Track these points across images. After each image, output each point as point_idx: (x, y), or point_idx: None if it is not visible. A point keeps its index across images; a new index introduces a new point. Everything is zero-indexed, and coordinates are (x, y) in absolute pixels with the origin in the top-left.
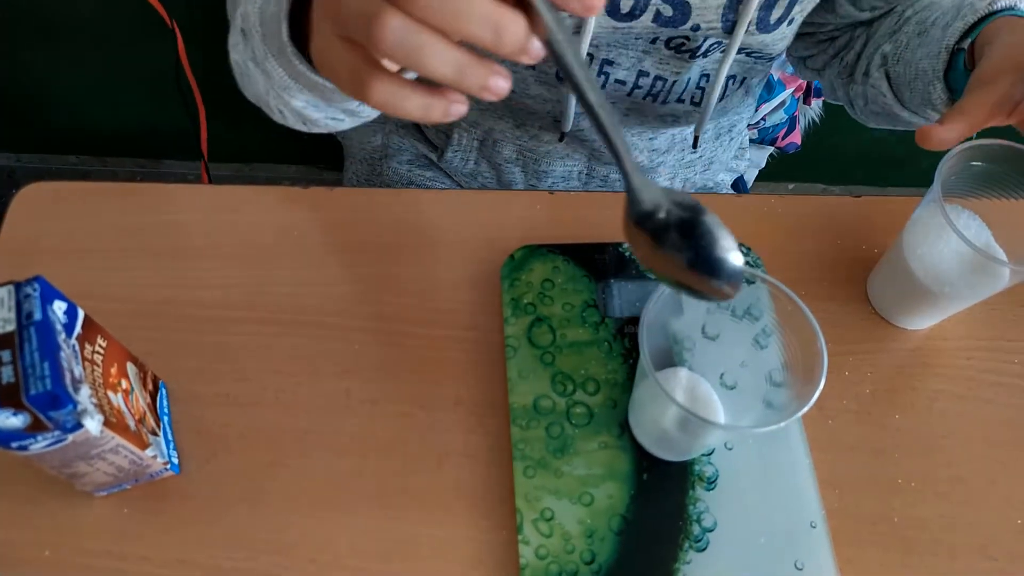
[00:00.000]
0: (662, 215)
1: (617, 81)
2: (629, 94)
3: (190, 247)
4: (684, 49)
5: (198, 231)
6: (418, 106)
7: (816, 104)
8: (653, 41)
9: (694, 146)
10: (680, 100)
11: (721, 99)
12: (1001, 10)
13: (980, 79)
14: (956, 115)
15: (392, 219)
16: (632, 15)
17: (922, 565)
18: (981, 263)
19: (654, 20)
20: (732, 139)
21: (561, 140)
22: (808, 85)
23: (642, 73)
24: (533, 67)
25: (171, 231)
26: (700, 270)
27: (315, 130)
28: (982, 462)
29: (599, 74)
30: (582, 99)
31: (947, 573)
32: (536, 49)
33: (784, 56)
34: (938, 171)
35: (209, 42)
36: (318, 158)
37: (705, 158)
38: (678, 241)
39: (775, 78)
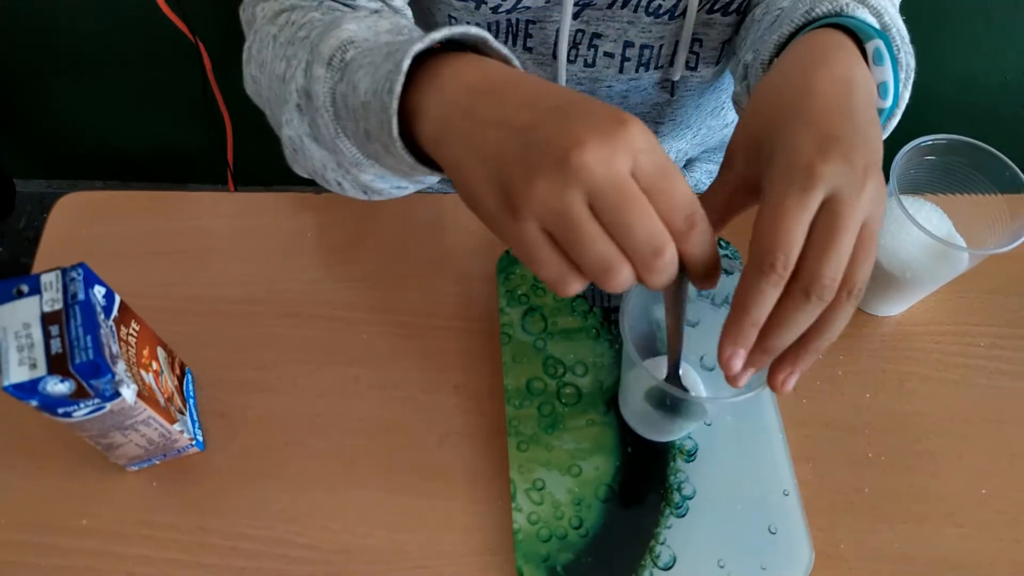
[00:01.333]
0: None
1: (606, 54)
2: (621, 70)
3: (213, 248)
4: (662, 12)
5: (220, 234)
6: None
7: None
8: (635, 9)
9: (671, 93)
10: (672, 64)
11: (716, 62)
12: (817, 20)
13: (725, 157)
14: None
15: (397, 222)
16: None
17: (891, 532)
18: (940, 250)
19: None
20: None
21: None
22: None
23: (628, 44)
24: (530, 50)
25: (195, 235)
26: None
27: (375, 198)
28: (949, 437)
29: (589, 47)
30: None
31: (915, 539)
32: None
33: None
34: (893, 166)
35: (234, 64)
36: None
37: (692, 129)
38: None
39: None
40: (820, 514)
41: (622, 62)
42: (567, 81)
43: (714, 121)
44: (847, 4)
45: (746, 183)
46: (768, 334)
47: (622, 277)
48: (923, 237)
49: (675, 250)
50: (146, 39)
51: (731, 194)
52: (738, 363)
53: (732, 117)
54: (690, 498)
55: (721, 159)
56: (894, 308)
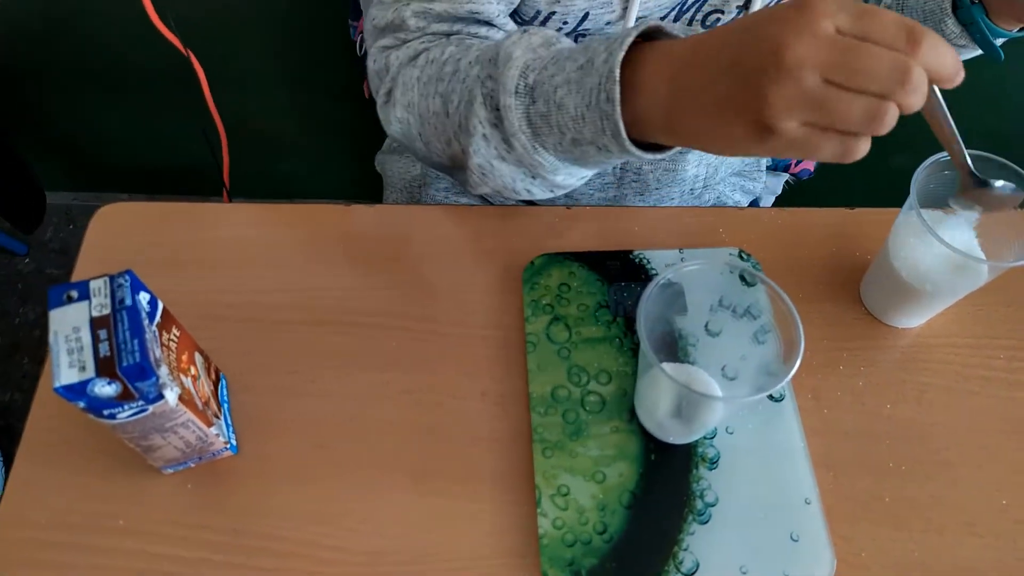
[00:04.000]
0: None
1: None
2: None
3: (248, 258)
4: (720, 25)
5: (253, 244)
6: (865, 147)
7: None
8: (690, 22)
9: None
10: None
11: None
12: None
13: None
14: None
15: (425, 233)
16: None
17: (911, 540)
18: (960, 262)
19: None
20: None
21: None
22: None
23: None
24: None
25: (229, 245)
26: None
27: (559, 192)
28: (968, 448)
29: None
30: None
31: (935, 548)
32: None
33: None
34: (914, 180)
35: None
36: (356, 195)
37: None
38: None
39: None
40: (841, 522)
41: None
42: None
43: None
44: None
45: None
46: None
47: (890, 115)
48: (944, 250)
49: (918, 67)
50: (157, 58)
51: None
52: None
53: None
54: (713, 505)
55: (739, 181)
56: (914, 320)
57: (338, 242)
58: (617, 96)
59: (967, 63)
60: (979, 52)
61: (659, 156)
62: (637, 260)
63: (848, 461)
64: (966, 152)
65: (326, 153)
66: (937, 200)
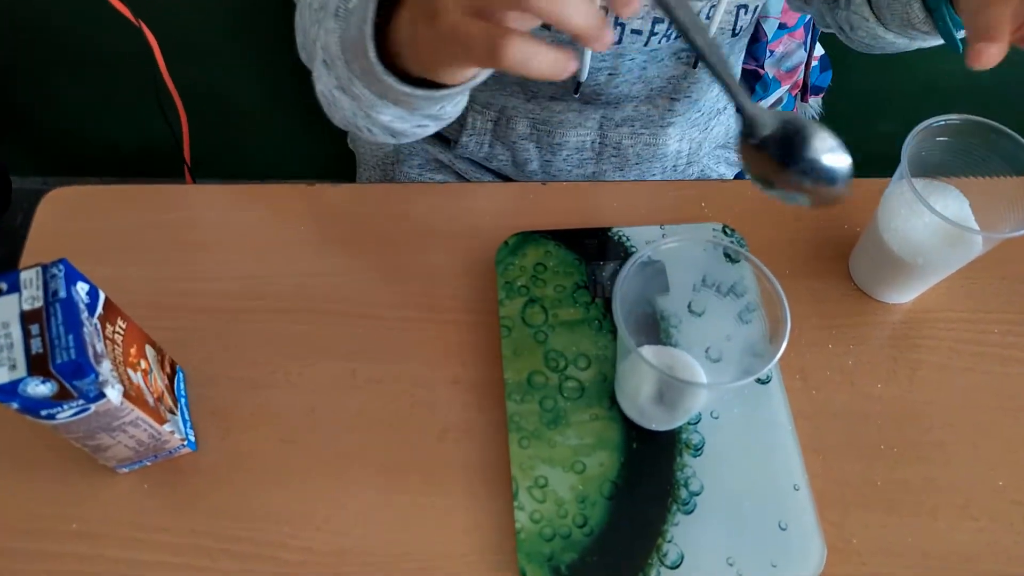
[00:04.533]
0: (777, 135)
1: (633, 31)
2: (646, 44)
3: (204, 243)
4: None
5: (212, 228)
6: (550, 61)
7: (814, 102)
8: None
9: (694, 65)
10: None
11: (734, 33)
12: None
13: None
14: (988, 35)
15: (392, 212)
16: None
17: (904, 525)
18: (953, 233)
19: None
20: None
21: (576, 92)
22: (804, 82)
23: (657, 20)
24: (548, 28)
25: (186, 228)
26: (815, 176)
27: (403, 140)
28: (962, 427)
29: (616, 24)
30: (693, 44)
31: (929, 532)
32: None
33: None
34: (904, 148)
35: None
36: (328, 173)
37: (706, 115)
38: (792, 154)
39: (770, 76)
40: (831, 508)
41: (649, 37)
42: (591, 57)
43: (720, 102)
44: None
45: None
46: None
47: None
48: (936, 221)
49: None
50: (117, 38)
51: (1012, 19)
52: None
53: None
54: (697, 494)
55: (723, 154)
56: (905, 295)
57: (301, 224)
58: (370, 15)
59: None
60: (941, 42)
61: (428, 92)
62: (616, 238)
63: (838, 444)
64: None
65: (297, 130)
66: (929, 169)
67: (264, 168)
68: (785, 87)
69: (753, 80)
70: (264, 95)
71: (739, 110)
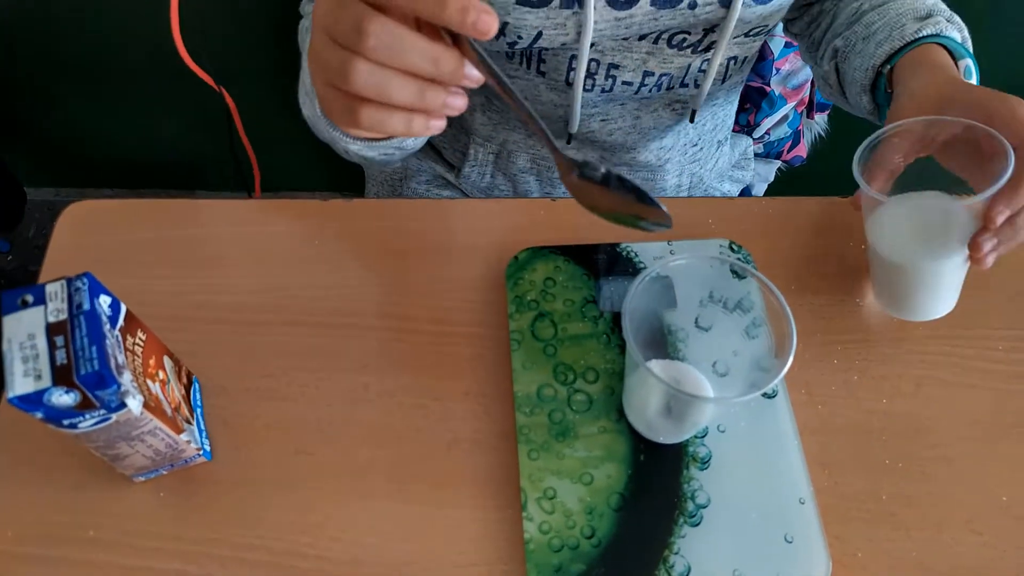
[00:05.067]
0: (601, 167)
1: (624, 83)
2: (636, 92)
3: (221, 256)
4: (686, 45)
5: (228, 242)
6: (400, 122)
7: (820, 118)
8: (656, 40)
9: (691, 120)
10: (684, 85)
11: (723, 80)
12: (925, 37)
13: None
14: (876, 170)
15: (405, 228)
16: (630, 2)
17: (909, 539)
18: (932, 220)
19: (652, 3)
20: (725, 124)
21: (569, 142)
22: (810, 99)
23: (647, 74)
24: (543, 75)
25: (203, 243)
26: (645, 200)
27: (376, 166)
28: (967, 443)
29: (606, 78)
30: (508, 95)
31: (934, 547)
32: (472, 74)
33: (779, 67)
34: (856, 158)
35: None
36: (341, 185)
37: (705, 151)
38: (618, 182)
39: (776, 93)
40: (836, 522)
41: (639, 87)
42: (583, 105)
43: (720, 134)
44: (944, 26)
45: (923, 141)
46: (1021, 213)
47: (356, 76)
48: (915, 215)
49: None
50: (160, 56)
51: (912, 144)
52: (1002, 219)
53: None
54: (704, 507)
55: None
56: (929, 309)
57: (314, 238)
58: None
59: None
60: None
61: (372, 148)
62: (625, 253)
63: (843, 458)
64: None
65: (306, 144)
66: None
67: (272, 182)
68: (791, 104)
69: (759, 97)
70: (276, 108)
71: (554, 152)
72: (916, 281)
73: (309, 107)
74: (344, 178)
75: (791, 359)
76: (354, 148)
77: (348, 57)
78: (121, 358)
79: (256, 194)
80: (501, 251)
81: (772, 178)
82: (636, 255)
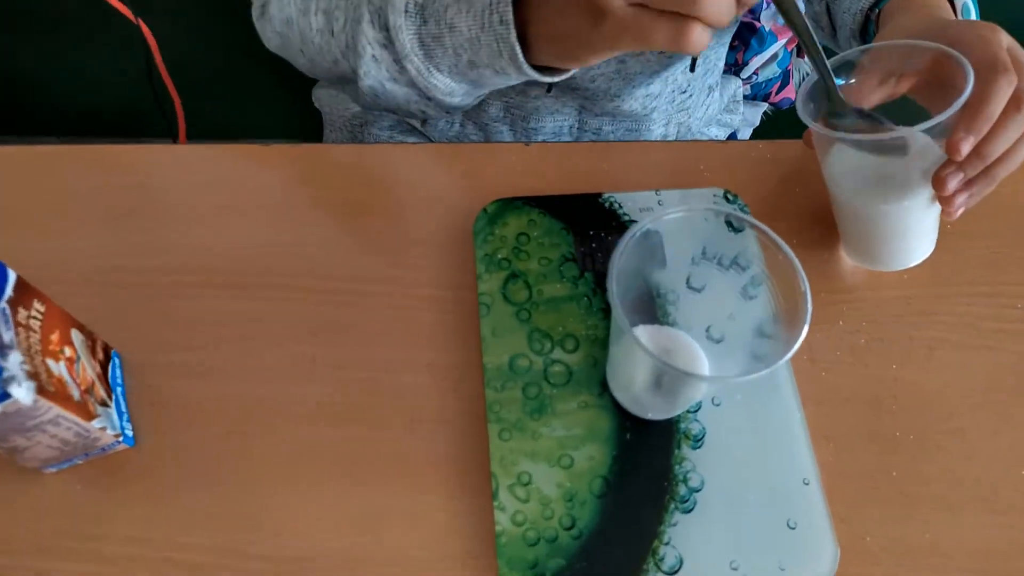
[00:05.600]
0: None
1: None
2: None
3: (142, 210)
4: None
5: (148, 193)
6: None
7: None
8: None
9: (691, 68)
10: None
11: None
12: None
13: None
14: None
15: (360, 176)
16: None
17: (922, 520)
18: (893, 156)
19: None
20: (716, 67)
21: (549, 91)
22: None
23: None
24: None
25: (121, 194)
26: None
27: (456, 112)
28: (984, 412)
29: None
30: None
31: (949, 529)
32: None
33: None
34: (801, 92)
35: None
36: (301, 132)
37: (695, 98)
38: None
39: (766, 29)
40: (842, 503)
41: None
42: None
43: (711, 78)
44: None
45: (889, 77)
46: (986, 141)
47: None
48: (862, 152)
49: None
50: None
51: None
52: (967, 147)
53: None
54: (697, 491)
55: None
56: (897, 257)
57: (255, 189)
58: (511, 18)
59: None
60: None
61: (558, 78)
62: (607, 204)
63: (850, 432)
64: (828, 65)
65: (259, 86)
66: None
67: (221, 127)
68: (781, 42)
69: (748, 34)
70: (223, 47)
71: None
72: (880, 227)
73: (379, 73)
74: (304, 124)
75: (806, 328)
76: (456, 100)
77: None
78: (8, 336)
79: (181, 141)
80: (468, 203)
81: (758, 122)
82: (620, 206)
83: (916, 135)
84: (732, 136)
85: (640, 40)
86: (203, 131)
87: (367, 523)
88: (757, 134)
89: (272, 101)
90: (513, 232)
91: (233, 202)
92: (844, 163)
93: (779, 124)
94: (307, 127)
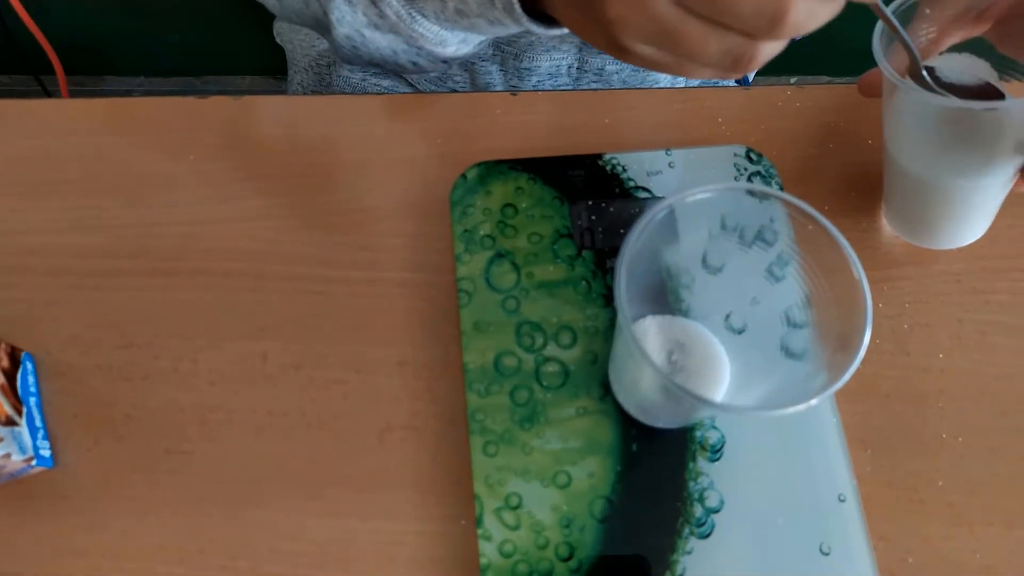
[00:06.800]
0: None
1: None
2: None
3: (60, 180)
4: None
5: (71, 159)
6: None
7: None
8: None
9: None
10: None
11: None
12: None
13: None
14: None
15: (316, 135)
16: None
17: (972, 538)
18: (977, 122)
19: None
20: None
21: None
22: None
23: None
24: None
25: (31, 161)
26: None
27: (453, 62)
28: None
29: None
30: None
31: (1003, 546)
32: None
33: None
34: (876, 35)
35: None
36: (274, 68)
37: None
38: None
39: None
40: (881, 518)
41: None
42: None
43: None
44: None
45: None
46: None
47: (757, 57)
48: (957, 129)
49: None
50: None
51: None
52: None
53: None
54: (716, 511)
55: None
56: (954, 236)
57: (191, 152)
58: None
59: None
60: None
61: (559, 32)
62: (609, 168)
63: (889, 434)
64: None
65: (225, 19)
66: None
67: (177, 63)
68: None
69: None
70: None
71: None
72: (949, 204)
73: (354, 19)
74: (277, 59)
75: (867, 334)
76: (450, 51)
77: (744, 44)
78: None
79: (62, 88)
80: (444, 166)
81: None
82: (624, 169)
83: (1008, 104)
84: (743, 80)
85: (680, 74)
86: (172, 67)
87: (329, 553)
88: (762, 70)
89: (236, 36)
90: (498, 203)
91: (169, 168)
92: (920, 127)
93: (785, 59)
94: (271, 64)
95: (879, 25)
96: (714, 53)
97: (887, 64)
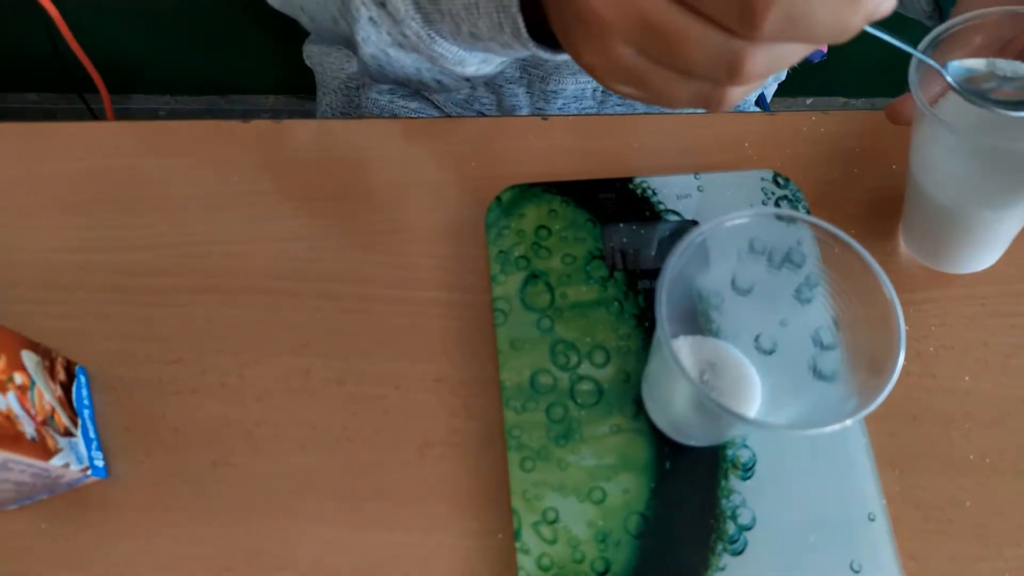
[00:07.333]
0: None
1: None
2: None
3: (107, 201)
4: None
5: (117, 180)
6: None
7: None
8: None
9: None
10: None
11: None
12: None
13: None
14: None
15: (352, 158)
16: None
17: (1001, 559)
18: (1009, 155)
19: None
20: None
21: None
22: None
23: None
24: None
25: (83, 181)
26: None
27: (478, 81)
28: None
29: None
30: None
31: None
32: None
33: None
34: (912, 67)
35: None
36: (298, 87)
37: None
38: None
39: None
40: (910, 538)
41: None
42: None
43: None
44: None
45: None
46: None
47: (727, 98)
48: (987, 161)
49: (754, 51)
50: None
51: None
52: None
53: None
54: (748, 528)
55: None
56: (973, 261)
57: (235, 174)
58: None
59: None
60: None
61: (565, 56)
62: (640, 191)
63: (918, 454)
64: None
65: (250, 40)
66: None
67: (209, 83)
68: None
69: None
70: None
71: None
72: (971, 232)
73: (379, 38)
74: (301, 79)
75: (901, 356)
76: (470, 70)
77: (710, 89)
78: None
79: (107, 107)
80: (478, 189)
81: (784, 76)
82: (654, 193)
83: None
84: (761, 99)
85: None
86: (198, 85)
87: (369, 565)
88: (779, 90)
89: (267, 57)
90: (531, 225)
91: (215, 190)
92: (949, 158)
93: (801, 80)
94: (299, 85)
95: (920, 48)
96: (683, 97)
97: (921, 96)
